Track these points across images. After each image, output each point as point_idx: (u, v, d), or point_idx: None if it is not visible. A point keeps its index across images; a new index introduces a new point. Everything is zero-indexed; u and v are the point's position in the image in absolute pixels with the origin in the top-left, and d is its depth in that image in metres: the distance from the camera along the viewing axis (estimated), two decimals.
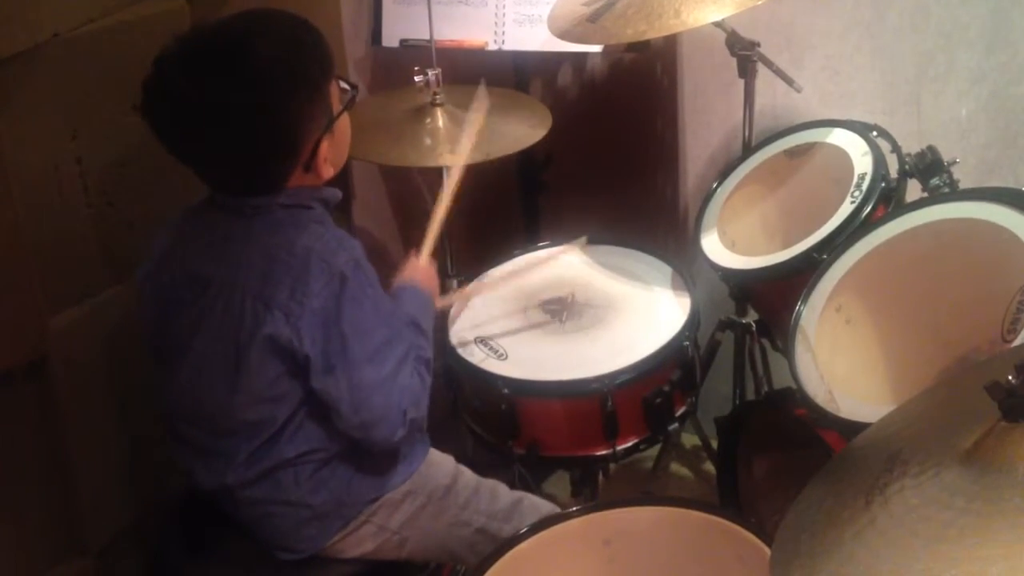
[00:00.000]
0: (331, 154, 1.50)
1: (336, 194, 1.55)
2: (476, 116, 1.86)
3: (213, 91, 1.37)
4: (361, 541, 1.60)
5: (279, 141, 1.43)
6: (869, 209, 1.72)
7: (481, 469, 1.75)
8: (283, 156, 1.45)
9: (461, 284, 2.04)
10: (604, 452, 1.78)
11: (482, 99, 1.88)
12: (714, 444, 2.15)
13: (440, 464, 1.69)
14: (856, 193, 1.75)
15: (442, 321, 1.88)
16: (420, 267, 1.70)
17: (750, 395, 2.20)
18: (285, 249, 1.43)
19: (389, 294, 1.59)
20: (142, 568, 1.85)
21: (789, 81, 1.98)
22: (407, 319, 1.57)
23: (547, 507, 1.74)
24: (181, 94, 1.38)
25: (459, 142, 1.86)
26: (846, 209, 1.74)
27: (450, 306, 1.91)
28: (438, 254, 1.76)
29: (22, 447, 1.65)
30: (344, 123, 1.54)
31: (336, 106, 1.50)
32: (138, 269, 1.59)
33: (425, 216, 1.79)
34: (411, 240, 1.78)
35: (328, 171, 1.51)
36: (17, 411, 1.63)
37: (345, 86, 1.53)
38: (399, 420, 1.46)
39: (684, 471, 2.49)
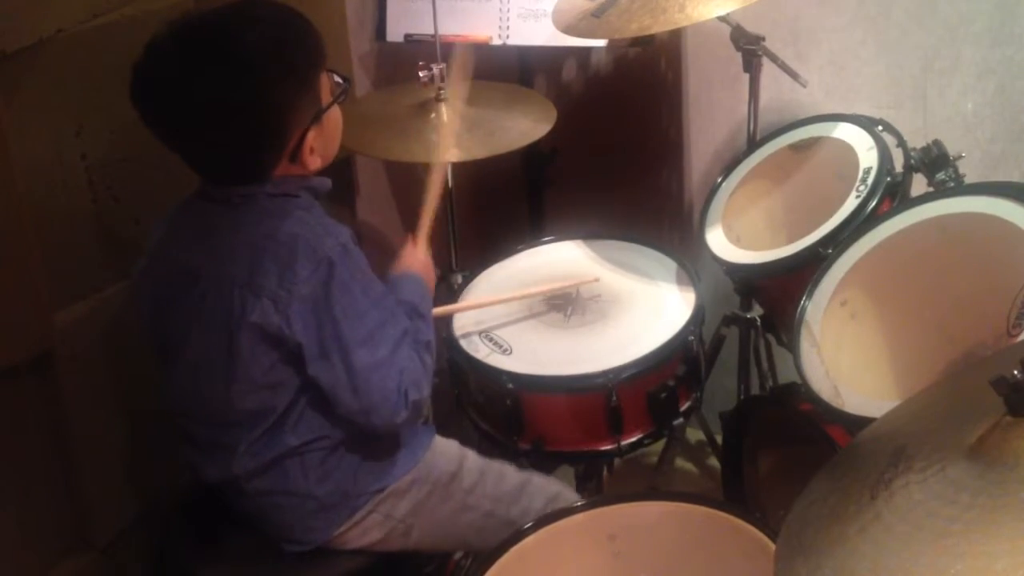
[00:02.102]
0: (319, 145, 1.50)
1: (325, 183, 1.55)
2: (457, 80, 1.84)
3: (199, 80, 1.38)
4: (367, 531, 1.60)
5: (264, 130, 1.43)
6: (874, 204, 1.71)
7: None
8: (268, 145, 1.45)
9: (466, 280, 2.04)
10: (609, 447, 1.78)
11: (461, 63, 1.85)
12: (719, 439, 2.14)
13: (445, 450, 1.68)
14: (861, 188, 1.75)
15: (445, 318, 1.87)
16: (417, 257, 1.70)
17: (755, 390, 2.19)
18: (271, 237, 1.43)
19: (386, 282, 1.59)
20: (148, 563, 1.85)
21: (794, 75, 1.97)
22: (405, 304, 1.56)
23: (555, 486, 1.74)
24: (168, 82, 1.39)
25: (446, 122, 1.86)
26: (851, 204, 1.74)
27: (445, 315, 1.87)
28: (434, 243, 1.74)
29: (27, 442, 1.66)
30: (335, 116, 1.54)
31: (326, 98, 1.50)
32: (134, 265, 1.59)
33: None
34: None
35: (315, 162, 1.51)
36: (22, 406, 1.64)
37: (338, 79, 1.53)
38: (400, 402, 1.46)
39: (689, 466, 2.49)
